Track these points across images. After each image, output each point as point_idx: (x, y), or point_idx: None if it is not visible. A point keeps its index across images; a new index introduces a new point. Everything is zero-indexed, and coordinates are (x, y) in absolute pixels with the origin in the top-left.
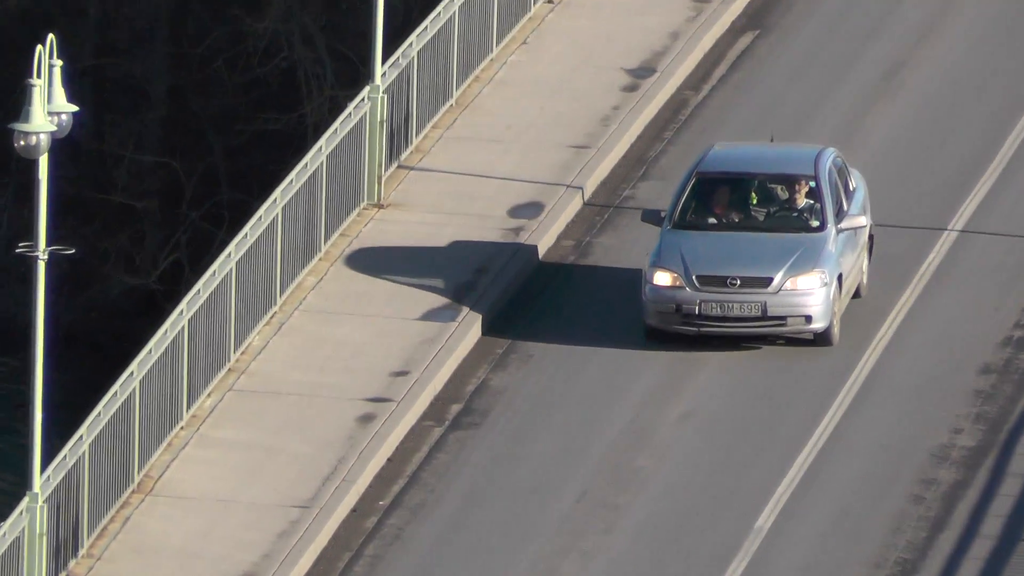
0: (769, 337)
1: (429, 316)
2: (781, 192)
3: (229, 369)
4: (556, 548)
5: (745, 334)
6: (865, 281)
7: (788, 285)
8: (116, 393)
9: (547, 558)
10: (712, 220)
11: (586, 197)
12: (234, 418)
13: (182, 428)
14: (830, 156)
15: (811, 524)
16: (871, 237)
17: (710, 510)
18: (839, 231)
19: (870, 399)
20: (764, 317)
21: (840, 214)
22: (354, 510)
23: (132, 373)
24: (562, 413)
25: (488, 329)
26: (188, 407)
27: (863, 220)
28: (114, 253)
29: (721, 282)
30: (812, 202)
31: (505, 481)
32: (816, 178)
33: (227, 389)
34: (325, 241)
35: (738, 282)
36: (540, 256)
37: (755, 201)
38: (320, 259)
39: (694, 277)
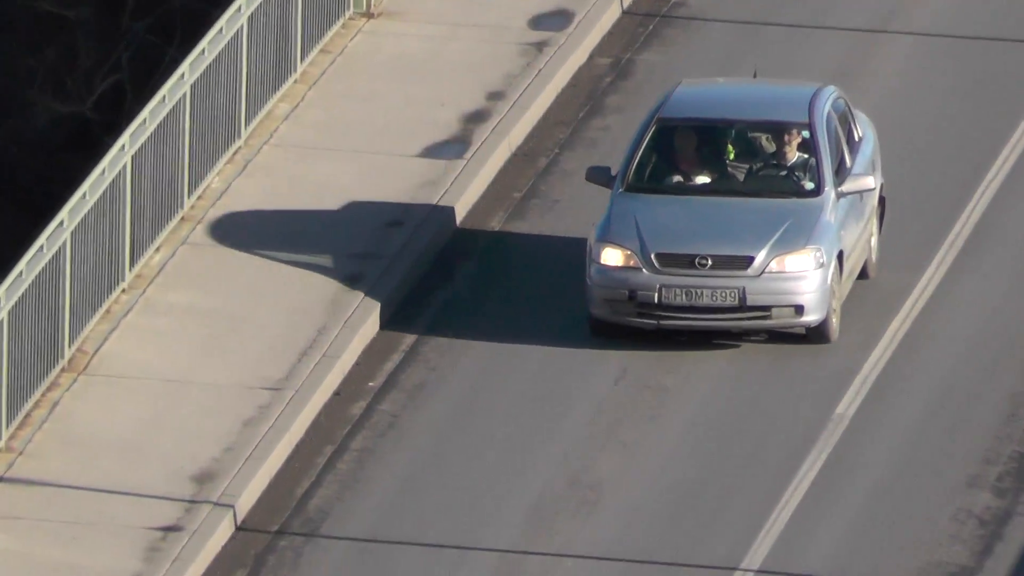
0: (750, 332)
1: (431, 152)
2: (766, 144)
3: (182, 218)
4: (585, 436)
5: (719, 328)
6: (874, 259)
7: (773, 266)
8: (42, 248)
9: (578, 447)
10: (677, 180)
11: (626, 3)
12: (188, 278)
13: (124, 291)
14: (829, 97)
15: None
16: (882, 202)
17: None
18: (840, 195)
19: (881, 411)
20: (743, 307)
21: (842, 173)
22: (337, 393)
23: (62, 223)
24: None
25: (507, 167)
26: (131, 265)
27: (870, 181)
28: (40, 74)
29: (688, 262)
30: (806, 157)
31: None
32: (811, 126)
33: (180, 242)
34: (302, 59)
35: (709, 262)
36: (569, 80)
37: (732, 156)
38: (296, 81)
39: (653, 255)
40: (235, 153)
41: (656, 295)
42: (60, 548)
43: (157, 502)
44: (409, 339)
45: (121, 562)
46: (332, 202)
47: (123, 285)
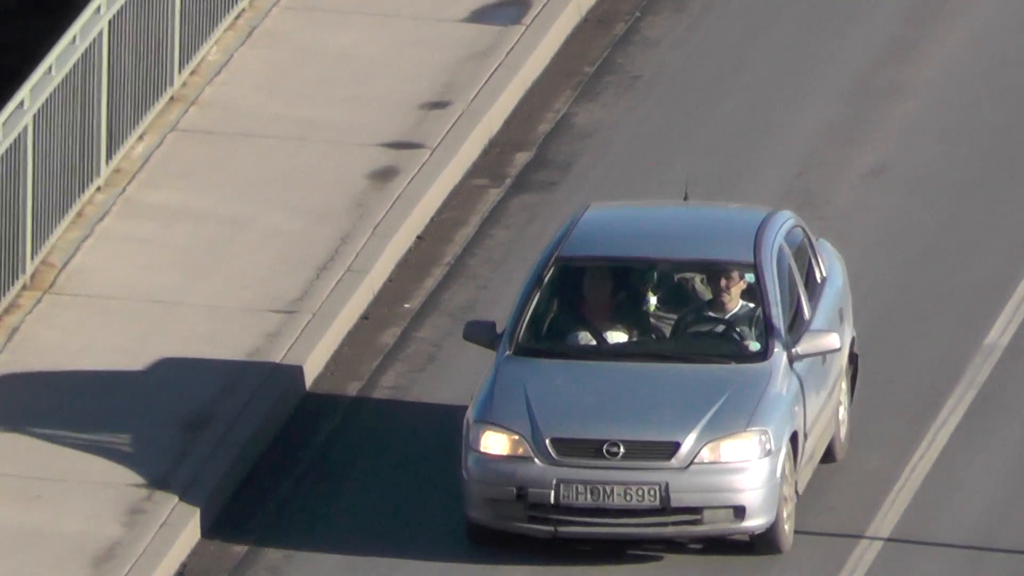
0: (676, 540)
1: (481, 16)
2: (699, 289)
3: (172, 97)
4: None
5: (635, 536)
6: (843, 436)
7: (706, 455)
8: None
9: None
10: (580, 340)
11: None
12: (178, 173)
13: (99, 190)
14: (782, 226)
15: None
16: (853, 359)
17: None
18: (795, 358)
19: (991, 424)
20: (666, 509)
21: (798, 327)
22: (365, 317)
23: (22, 104)
24: None
25: (576, 35)
26: (108, 157)
27: (833, 340)
28: None
29: (593, 450)
30: (751, 307)
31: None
32: (758, 267)
33: (168, 128)
34: None
35: (621, 450)
36: None
37: (653, 306)
38: None
39: (548, 441)
40: (237, 17)
41: (552, 493)
42: (20, 510)
43: (140, 452)
44: (454, 249)
45: (96, 526)
46: (357, 77)
47: (98, 182)
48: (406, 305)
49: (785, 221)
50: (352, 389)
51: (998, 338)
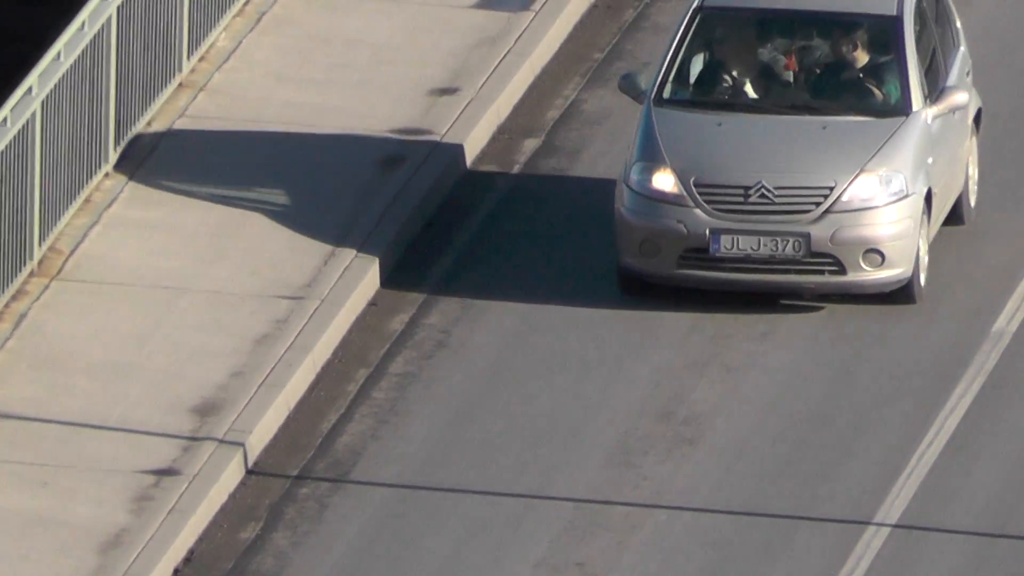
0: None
1: (490, 2)
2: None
3: (180, 84)
4: (680, 362)
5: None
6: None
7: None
8: (5, 122)
9: (671, 373)
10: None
11: None
12: (187, 160)
13: (107, 176)
14: None
15: None
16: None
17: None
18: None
19: (1000, 410)
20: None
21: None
22: (373, 303)
23: (30, 91)
24: None
25: (586, 21)
26: (116, 143)
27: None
28: None
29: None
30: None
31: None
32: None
33: (177, 115)
34: None
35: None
36: None
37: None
38: None
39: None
40: (246, 3)
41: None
42: (28, 496)
43: (148, 439)
44: (463, 236)
45: (104, 513)
46: (367, 63)
47: (106, 168)
48: (415, 292)
49: None
50: (360, 376)
51: (1006, 325)
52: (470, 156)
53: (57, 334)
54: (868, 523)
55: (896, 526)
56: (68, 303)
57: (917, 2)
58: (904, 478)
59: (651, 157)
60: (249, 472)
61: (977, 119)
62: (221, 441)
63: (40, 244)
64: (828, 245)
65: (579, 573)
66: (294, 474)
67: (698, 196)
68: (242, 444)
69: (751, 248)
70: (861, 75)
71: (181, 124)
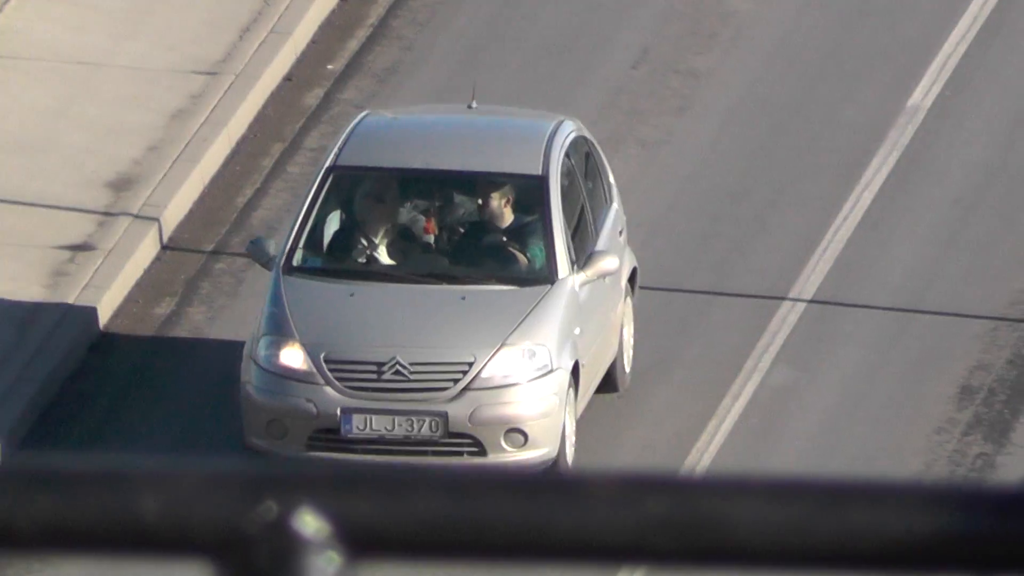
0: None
1: None
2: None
3: None
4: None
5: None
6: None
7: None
8: None
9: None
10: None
11: None
12: None
13: None
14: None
15: None
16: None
17: None
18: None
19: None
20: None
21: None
22: (288, 78)
23: None
24: None
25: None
26: None
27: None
28: None
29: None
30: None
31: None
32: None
33: None
34: None
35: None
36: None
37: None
38: None
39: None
40: None
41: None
42: None
43: (63, 214)
44: (378, 9)
45: (19, 287)
46: None
47: None
48: (329, 66)
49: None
50: (276, 151)
51: (921, 99)
52: None
53: None
54: (784, 298)
55: (811, 301)
56: None
57: (565, 158)
58: (820, 253)
59: (279, 331)
60: (164, 247)
61: (632, 279)
62: (136, 216)
63: None
64: (467, 425)
65: None
66: (209, 249)
67: (328, 373)
68: (157, 219)
69: (385, 428)
70: (505, 239)
71: None
